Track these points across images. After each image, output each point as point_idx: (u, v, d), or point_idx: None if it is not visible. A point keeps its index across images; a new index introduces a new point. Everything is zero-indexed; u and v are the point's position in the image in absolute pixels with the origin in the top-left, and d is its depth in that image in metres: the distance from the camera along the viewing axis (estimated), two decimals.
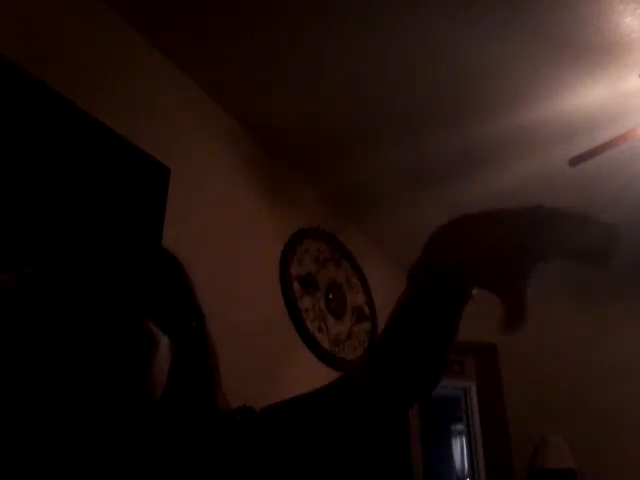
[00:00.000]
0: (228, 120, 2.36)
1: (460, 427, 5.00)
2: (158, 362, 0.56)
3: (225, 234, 2.21)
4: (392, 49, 2.01)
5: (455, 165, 2.74)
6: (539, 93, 2.22)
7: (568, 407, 3.71)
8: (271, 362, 2.33)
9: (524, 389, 3.81)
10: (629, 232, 3.26)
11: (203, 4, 1.82)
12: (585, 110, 2.30)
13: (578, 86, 2.17)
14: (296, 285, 2.59)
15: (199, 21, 1.89)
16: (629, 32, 1.91)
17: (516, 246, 0.45)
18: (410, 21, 1.89)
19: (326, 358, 2.67)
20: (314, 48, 2.02)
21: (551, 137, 2.48)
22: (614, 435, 3.60)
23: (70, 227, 1.50)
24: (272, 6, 1.83)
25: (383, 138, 2.54)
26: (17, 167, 1.41)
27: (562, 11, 1.83)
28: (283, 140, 2.55)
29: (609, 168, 2.62)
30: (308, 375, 2.54)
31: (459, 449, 6.13)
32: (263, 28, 1.92)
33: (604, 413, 3.66)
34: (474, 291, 0.48)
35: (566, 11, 1.83)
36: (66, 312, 0.53)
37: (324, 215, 3.00)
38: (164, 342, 0.58)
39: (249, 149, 2.49)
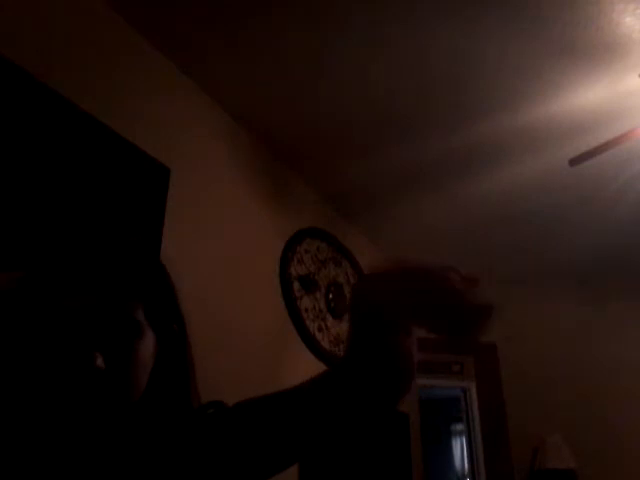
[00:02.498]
0: (228, 120, 2.36)
1: (460, 427, 5.00)
2: (143, 353, 0.57)
3: (225, 234, 2.21)
4: (392, 49, 2.01)
5: (455, 165, 2.73)
6: (539, 93, 2.22)
7: (568, 407, 3.71)
8: (271, 362, 2.33)
9: (524, 389, 3.81)
10: (629, 232, 3.26)
11: (203, 4, 1.82)
12: (585, 110, 2.30)
13: (578, 86, 2.17)
14: (296, 285, 2.59)
15: (199, 21, 1.89)
16: (629, 32, 1.91)
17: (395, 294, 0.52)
18: (410, 21, 1.89)
19: (326, 358, 2.67)
20: (314, 48, 2.02)
21: (551, 137, 2.48)
22: (614, 435, 3.59)
23: (70, 227, 1.50)
24: (272, 6, 1.83)
25: (383, 138, 2.54)
26: (17, 167, 1.41)
27: (562, 11, 1.83)
28: (283, 140, 2.55)
29: (609, 168, 2.62)
30: (308, 375, 2.54)
31: (459, 449, 6.12)
32: (263, 28, 1.92)
33: (604, 413, 3.66)
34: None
35: (566, 11, 1.83)
36: (56, 303, 0.53)
37: (324, 215, 3.00)
38: (150, 335, 0.58)
39: (249, 149, 2.49)
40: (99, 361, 0.51)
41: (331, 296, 2.83)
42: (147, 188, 1.82)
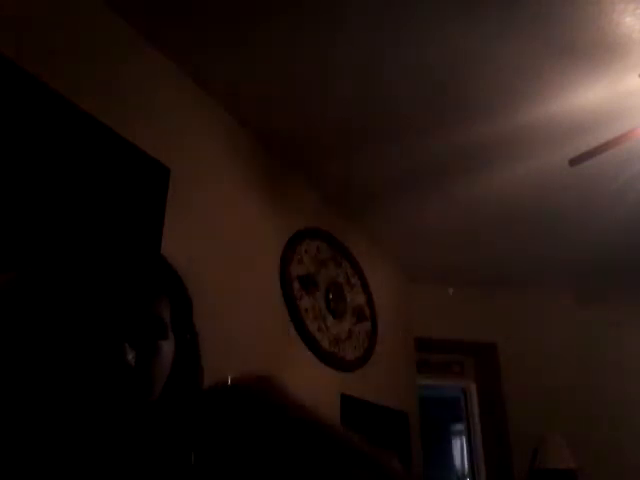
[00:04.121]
0: (228, 120, 2.36)
1: (460, 427, 5.00)
2: (165, 355, 0.56)
3: (225, 234, 2.21)
4: (391, 49, 2.01)
5: (455, 165, 2.73)
6: (539, 93, 2.22)
7: (568, 407, 3.71)
8: (271, 362, 2.32)
9: (524, 389, 3.81)
10: (629, 232, 3.26)
11: (204, 4, 1.82)
12: (585, 110, 2.30)
13: (578, 86, 2.17)
14: (296, 285, 2.59)
15: (199, 21, 1.89)
16: (629, 32, 1.91)
17: None
18: (410, 22, 1.89)
19: (326, 358, 2.67)
20: (314, 48, 2.02)
21: (551, 137, 2.48)
22: (614, 435, 3.59)
23: (70, 227, 1.50)
24: (272, 6, 1.83)
25: (383, 138, 2.54)
26: (17, 167, 1.41)
27: (562, 11, 1.83)
28: (283, 140, 2.55)
29: (609, 168, 2.62)
30: (308, 375, 2.54)
31: (459, 449, 6.12)
32: (263, 28, 1.92)
33: (604, 413, 3.66)
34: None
35: (566, 11, 1.83)
36: (82, 297, 0.53)
37: (324, 215, 3.00)
38: (172, 339, 0.59)
39: (249, 149, 2.49)
40: (130, 357, 0.51)
41: (331, 296, 2.83)
42: (147, 188, 1.82)
